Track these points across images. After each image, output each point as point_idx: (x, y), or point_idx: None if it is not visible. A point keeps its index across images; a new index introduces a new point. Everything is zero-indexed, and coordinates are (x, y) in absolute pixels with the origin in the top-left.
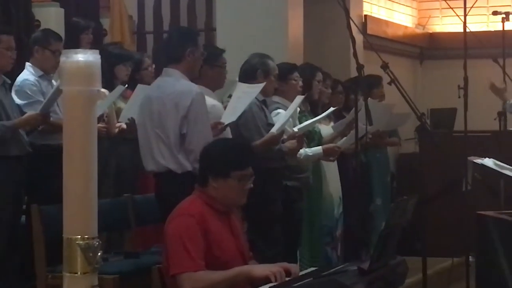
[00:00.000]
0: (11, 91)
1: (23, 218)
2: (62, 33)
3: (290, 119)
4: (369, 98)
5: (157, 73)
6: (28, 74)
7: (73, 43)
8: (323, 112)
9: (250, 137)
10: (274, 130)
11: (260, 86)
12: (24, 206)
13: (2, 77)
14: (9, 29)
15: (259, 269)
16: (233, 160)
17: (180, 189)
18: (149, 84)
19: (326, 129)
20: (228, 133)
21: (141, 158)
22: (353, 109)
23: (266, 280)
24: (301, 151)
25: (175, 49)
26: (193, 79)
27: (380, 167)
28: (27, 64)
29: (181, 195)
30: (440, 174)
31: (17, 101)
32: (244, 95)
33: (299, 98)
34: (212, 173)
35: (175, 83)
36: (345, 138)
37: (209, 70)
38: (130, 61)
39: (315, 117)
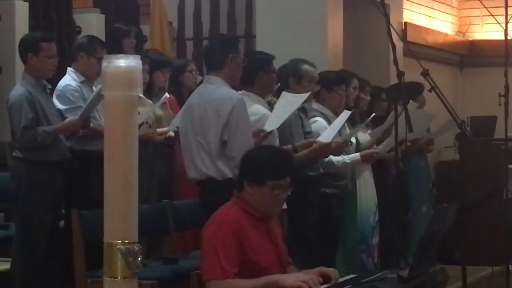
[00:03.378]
0: (51, 97)
1: (62, 223)
2: (102, 39)
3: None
4: (410, 101)
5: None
6: (70, 79)
7: (115, 49)
8: (360, 119)
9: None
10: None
11: (304, 96)
12: (63, 211)
13: (43, 82)
14: (50, 36)
15: (290, 279)
16: (269, 169)
17: (221, 196)
18: (190, 87)
19: (364, 136)
20: (270, 140)
21: (185, 166)
22: (390, 115)
23: None
24: (339, 158)
25: (217, 56)
26: (243, 86)
27: (424, 175)
28: (69, 69)
29: (223, 202)
30: (480, 182)
31: (59, 106)
32: (288, 103)
33: (346, 113)
34: (248, 179)
35: (216, 90)
36: (383, 143)
37: (264, 76)
38: (168, 67)
39: (351, 124)
